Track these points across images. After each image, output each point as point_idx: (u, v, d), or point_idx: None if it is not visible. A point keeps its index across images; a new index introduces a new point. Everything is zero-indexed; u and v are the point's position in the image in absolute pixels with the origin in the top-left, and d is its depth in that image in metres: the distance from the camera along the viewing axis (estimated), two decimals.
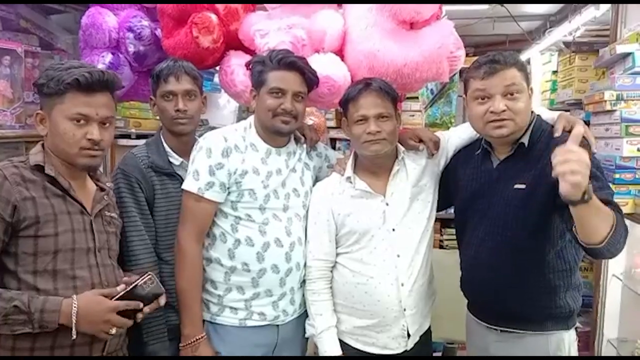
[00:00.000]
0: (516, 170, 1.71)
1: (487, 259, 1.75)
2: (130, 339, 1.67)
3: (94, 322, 1.44)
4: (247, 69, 1.91)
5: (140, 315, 1.54)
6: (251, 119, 1.90)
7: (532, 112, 1.74)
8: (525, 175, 1.68)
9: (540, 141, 1.69)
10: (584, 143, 1.61)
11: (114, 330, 1.47)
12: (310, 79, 1.86)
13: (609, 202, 1.48)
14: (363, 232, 1.83)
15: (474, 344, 1.93)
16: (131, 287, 1.53)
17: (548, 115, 1.79)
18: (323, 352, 1.86)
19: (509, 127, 1.65)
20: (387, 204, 1.84)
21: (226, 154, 1.79)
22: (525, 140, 1.70)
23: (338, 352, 1.85)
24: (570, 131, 1.65)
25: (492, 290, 1.76)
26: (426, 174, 1.92)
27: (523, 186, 1.67)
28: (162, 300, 1.60)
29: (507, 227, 1.69)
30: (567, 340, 1.74)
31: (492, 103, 1.65)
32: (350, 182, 1.87)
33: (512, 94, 1.64)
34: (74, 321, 1.41)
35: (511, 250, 1.69)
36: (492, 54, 1.70)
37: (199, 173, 1.78)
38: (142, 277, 1.55)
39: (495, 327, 1.79)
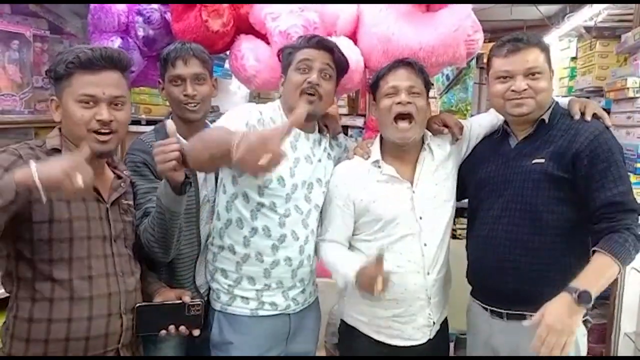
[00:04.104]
0: (535, 147, 1.71)
1: (503, 234, 1.72)
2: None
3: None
4: (279, 59, 1.86)
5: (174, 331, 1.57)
6: (278, 101, 1.85)
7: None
8: (545, 152, 1.68)
9: (560, 122, 1.70)
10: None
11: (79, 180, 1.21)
12: (340, 59, 1.80)
13: (616, 231, 1.55)
14: (390, 220, 1.77)
15: (476, 333, 1.87)
16: (177, 301, 1.57)
17: (560, 102, 1.80)
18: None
19: (529, 105, 1.68)
20: (413, 191, 1.79)
21: (262, 124, 1.73)
22: (546, 117, 1.71)
23: None
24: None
25: (506, 268, 1.71)
26: (451, 161, 1.88)
27: (542, 160, 1.68)
28: (195, 332, 1.60)
29: (526, 200, 1.68)
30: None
31: (513, 82, 1.68)
32: (378, 167, 1.81)
33: (533, 74, 1.66)
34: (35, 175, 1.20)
35: (529, 223, 1.68)
36: (515, 33, 1.73)
37: (234, 122, 1.65)
38: (193, 300, 1.61)
39: (502, 311, 1.74)
